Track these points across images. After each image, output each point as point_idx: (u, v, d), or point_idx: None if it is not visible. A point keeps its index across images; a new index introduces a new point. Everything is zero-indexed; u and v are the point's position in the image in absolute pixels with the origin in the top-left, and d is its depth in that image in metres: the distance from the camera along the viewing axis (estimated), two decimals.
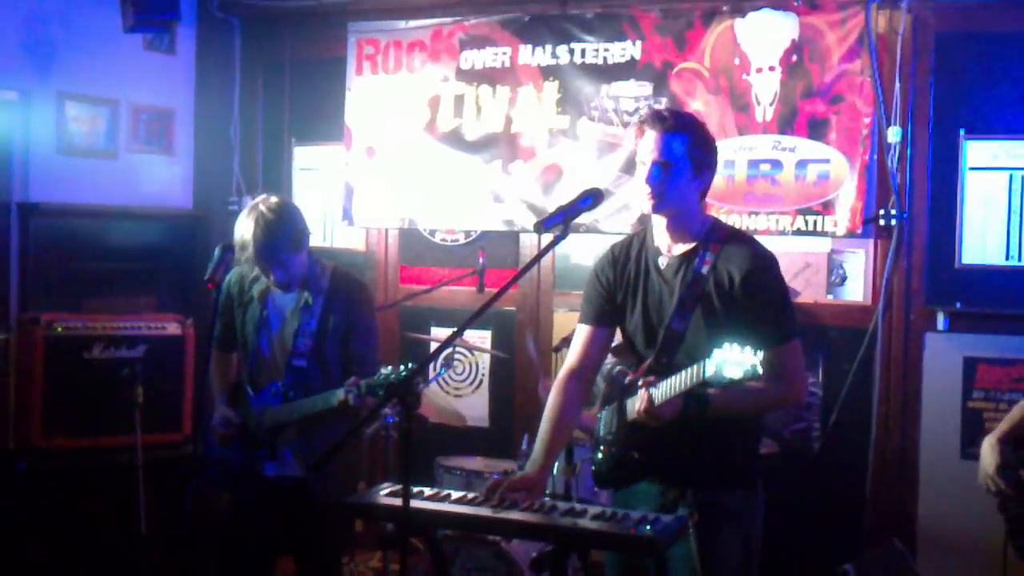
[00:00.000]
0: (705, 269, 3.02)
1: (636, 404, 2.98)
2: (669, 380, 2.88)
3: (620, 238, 3.29)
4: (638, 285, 3.14)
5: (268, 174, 6.15)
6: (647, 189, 3.02)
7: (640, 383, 2.97)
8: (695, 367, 2.77)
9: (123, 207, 5.66)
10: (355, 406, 3.59)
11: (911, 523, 4.79)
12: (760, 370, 2.66)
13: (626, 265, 3.17)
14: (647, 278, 3.12)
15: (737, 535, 3.05)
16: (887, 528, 4.75)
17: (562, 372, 3.25)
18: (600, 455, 3.19)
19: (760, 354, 2.66)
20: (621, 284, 3.17)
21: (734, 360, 2.66)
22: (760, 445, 3.27)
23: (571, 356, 3.25)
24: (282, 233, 3.70)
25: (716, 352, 2.69)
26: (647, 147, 3.03)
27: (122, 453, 4.81)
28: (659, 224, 3.12)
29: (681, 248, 3.08)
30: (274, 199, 3.79)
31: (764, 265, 3.03)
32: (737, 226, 4.74)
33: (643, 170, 3.03)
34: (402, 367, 3.48)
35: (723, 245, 3.05)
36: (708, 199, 4.88)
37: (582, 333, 3.24)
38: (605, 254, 3.24)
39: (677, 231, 3.09)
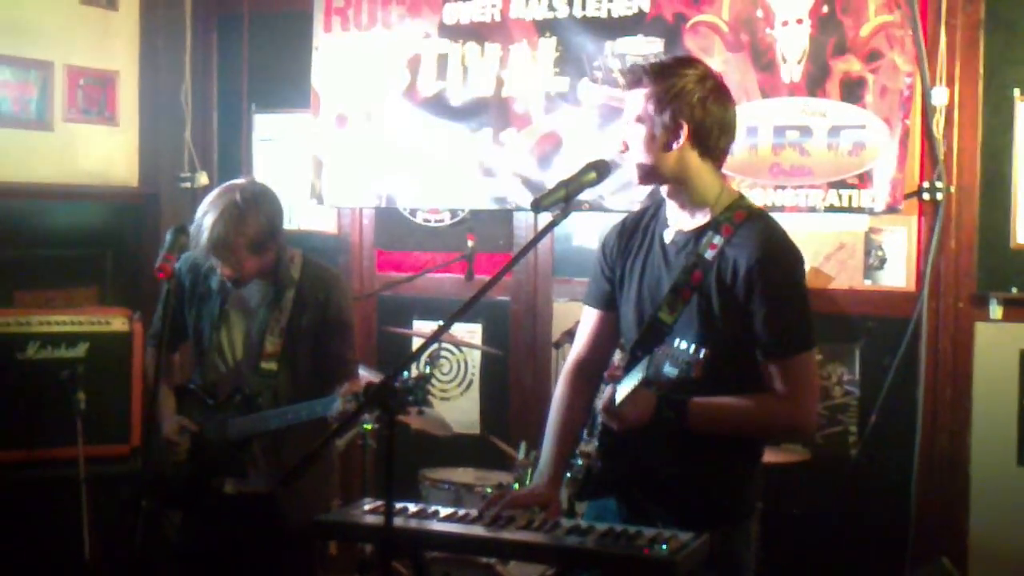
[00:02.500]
0: (710, 254, 2.88)
1: (598, 402, 2.93)
2: (629, 375, 2.78)
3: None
4: (637, 261, 3.06)
5: (225, 146, 6.15)
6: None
7: (605, 376, 2.94)
8: (643, 361, 2.68)
9: (59, 185, 5.65)
10: None
11: (962, 539, 4.80)
12: (695, 372, 2.58)
13: (632, 236, 3.10)
14: (649, 253, 3.04)
15: None
16: (935, 545, 4.76)
17: (568, 364, 3.22)
18: (579, 462, 3.07)
19: (704, 352, 2.57)
20: (621, 259, 3.10)
21: (674, 354, 2.60)
22: (758, 467, 3.09)
23: (577, 345, 3.22)
24: (245, 232, 3.68)
25: (661, 347, 2.64)
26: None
27: (62, 467, 4.80)
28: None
29: (692, 223, 2.98)
30: (258, 187, 3.79)
31: (776, 253, 2.88)
32: (762, 203, 4.75)
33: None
34: (415, 371, 3.43)
35: (738, 227, 2.91)
36: (728, 171, 4.94)
37: (589, 318, 3.20)
38: (615, 225, 3.19)
39: (685, 203, 2.98)
